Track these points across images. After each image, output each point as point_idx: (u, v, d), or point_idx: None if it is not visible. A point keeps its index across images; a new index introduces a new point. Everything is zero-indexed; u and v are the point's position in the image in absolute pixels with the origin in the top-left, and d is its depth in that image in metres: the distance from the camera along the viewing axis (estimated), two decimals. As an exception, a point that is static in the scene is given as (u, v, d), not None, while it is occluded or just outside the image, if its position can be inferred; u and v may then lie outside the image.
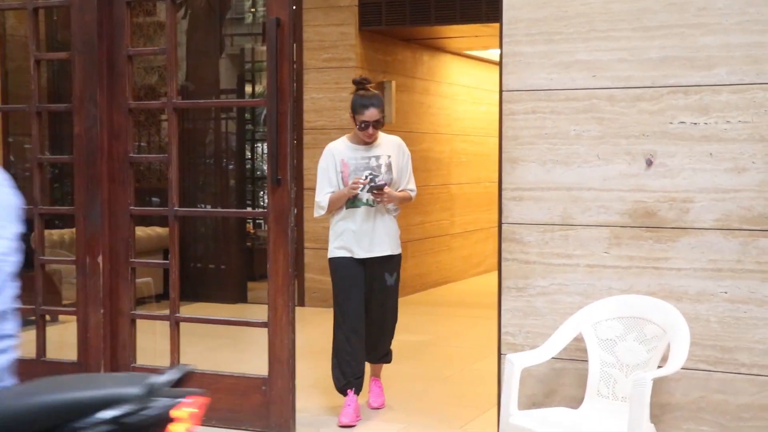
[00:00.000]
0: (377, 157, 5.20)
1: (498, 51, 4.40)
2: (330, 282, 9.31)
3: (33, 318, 5.64)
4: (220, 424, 5.07)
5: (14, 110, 9.66)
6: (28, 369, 5.47)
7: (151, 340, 5.57)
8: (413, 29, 9.46)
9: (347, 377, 5.14)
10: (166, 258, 5.73)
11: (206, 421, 5.01)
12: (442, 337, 7.83)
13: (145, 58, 9.81)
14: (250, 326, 5.50)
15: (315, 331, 7.58)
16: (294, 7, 4.95)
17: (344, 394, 5.17)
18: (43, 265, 5.65)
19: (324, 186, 5.17)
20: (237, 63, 10.72)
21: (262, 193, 11.25)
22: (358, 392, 5.19)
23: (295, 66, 5.18)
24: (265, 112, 5.50)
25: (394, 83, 9.49)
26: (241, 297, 9.45)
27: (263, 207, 9.42)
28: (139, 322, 5.38)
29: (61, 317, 7.02)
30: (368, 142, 5.19)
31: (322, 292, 9.00)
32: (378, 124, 5.20)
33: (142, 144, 10.12)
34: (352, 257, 5.15)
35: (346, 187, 5.07)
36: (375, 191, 5.03)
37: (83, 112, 5.28)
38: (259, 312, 5.27)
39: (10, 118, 10.07)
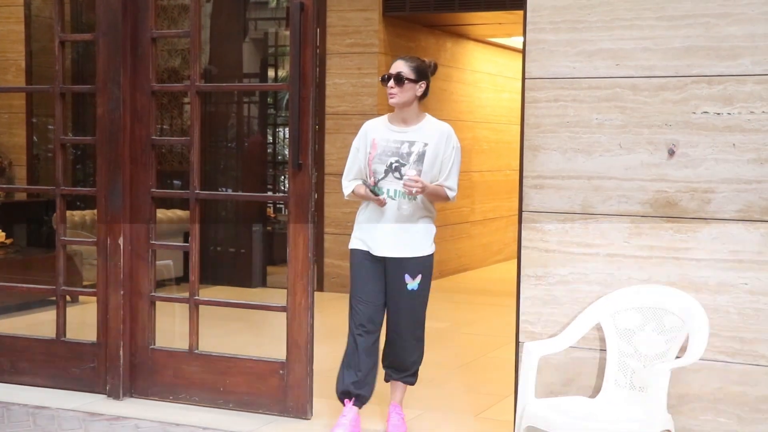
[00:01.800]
0: (411, 143, 4.55)
1: (521, 39, 4.39)
2: (349, 267, 9.33)
3: (54, 298, 5.70)
4: (237, 407, 5.11)
5: (38, 91, 9.73)
6: (48, 349, 5.56)
7: (170, 323, 5.62)
8: (437, 15, 9.44)
9: (345, 384, 4.65)
10: (186, 241, 5.77)
11: (223, 404, 5.07)
12: (460, 324, 7.85)
13: (169, 40, 9.83)
14: (269, 310, 5.53)
15: (333, 317, 7.60)
16: (317, -8, 4.96)
17: (342, 402, 4.71)
18: (65, 246, 5.70)
19: (351, 168, 4.70)
20: (260, 47, 10.74)
21: (283, 177, 11.29)
22: (358, 404, 4.67)
23: (318, 51, 5.17)
24: (287, 96, 5.51)
25: (416, 69, 9.45)
26: (260, 281, 9.49)
27: (284, 191, 9.45)
28: (158, 304, 5.42)
29: (81, 298, 7.08)
30: (391, 102, 4.57)
31: (341, 278, 9.02)
32: (399, 80, 4.52)
33: (164, 127, 10.16)
34: (368, 251, 4.65)
35: (367, 191, 4.49)
36: (405, 183, 4.41)
37: (106, 94, 5.32)
38: (278, 296, 5.29)
39: (34, 99, 10.15)
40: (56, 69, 5.60)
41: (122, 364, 5.31)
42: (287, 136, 9.49)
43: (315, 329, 5.00)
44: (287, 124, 9.32)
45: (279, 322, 5.12)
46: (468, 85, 10.92)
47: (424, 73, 4.62)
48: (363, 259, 4.66)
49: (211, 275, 8.81)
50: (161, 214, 8.50)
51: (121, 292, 5.30)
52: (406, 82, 4.54)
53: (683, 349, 3.76)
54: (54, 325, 5.58)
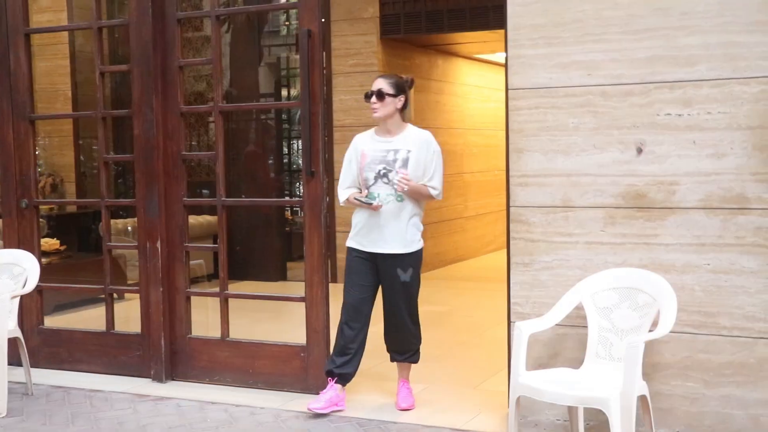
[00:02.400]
0: (396, 151, 4.53)
1: (504, 54, 4.36)
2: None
3: (103, 296, 5.67)
4: (264, 386, 5.09)
5: (83, 116, 9.72)
6: (100, 340, 5.54)
7: (203, 314, 5.59)
8: (428, 36, 9.40)
9: (330, 364, 4.67)
10: (215, 242, 5.74)
11: (252, 384, 5.05)
12: (458, 307, 7.81)
13: (194, 67, 9.81)
14: (290, 301, 5.50)
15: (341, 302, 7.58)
16: (323, 20, 4.92)
17: (327, 379, 4.69)
18: (110, 251, 5.68)
19: (345, 178, 4.66)
20: (274, 70, 10.71)
21: (297, 183, 11.25)
22: (341, 382, 4.65)
23: (324, 71, 5.14)
24: (299, 112, 5.47)
25: (412, 85, 9.43)
26: (281, 275, 9.47)
27: (299, 196, 9.42)
28: (193, 299, 5.39)
29: (126, 295, 7.06)
30: (374, 116, 4.56)
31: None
32: (381, 96, 4.50)
33: (192, 143, 10.14)
34: (362, 249, 4.61)
35: (358, 200, 4.50)
36: (400, 186, 4.43)
37: (141, 117, 5.29)
38: (297, 288, 5.26)
39: (80, 123, 10.14)
40: (98, 97, 5.58)
41: (164, 351, 5.29)
42: (300, 147, 9.47)
43: (330, 316, 4.97)
44: (300, 136, 9.30)
45: (298, 311, 5.09)
46: (458, 96, 10.88)
47: (402, 88, 4.60)
48: (356, 255, 4.64)
49: (238, 272, 8.77)
50: (192, 219, 8.46)
51: (160, 289, 5.28)
52: (386, 97, 4.53)
53: (655, 324, 3.72)
54: (104, 319, 5.56)
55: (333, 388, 4.63)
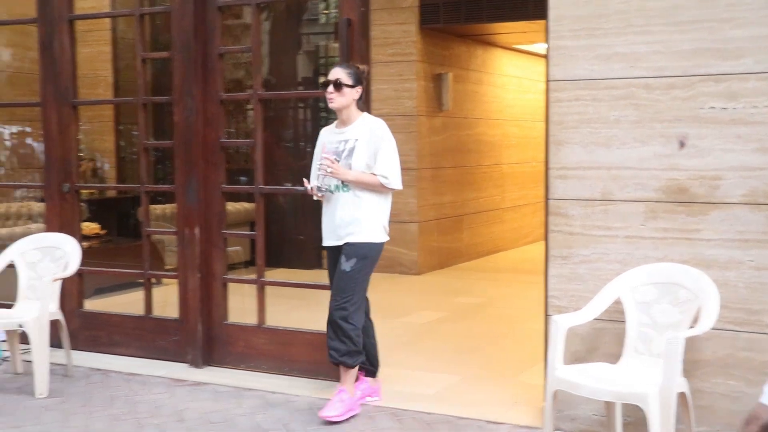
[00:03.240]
0: (346, 141, 4.42)
1: (544, 45, 4.31)
2: (393, 250, 9.29)
3: (141, 281, 5.73)
4: (299, 374, 5.11)
5: (124, 102, 9.80)
6: (138, 324, 5.60)
7: (240, 301, 5.61)
8: (468, 26, 9.35)
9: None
10: (252, 229, 5.75)
11: (288, 371, 5.07)
12: (494, 299, 7.78)
13: (234, 55, 9.84)
14: (325, 289, 5.49)
15: (379, 294, 7.57)
16: (363, 9, 4.91)
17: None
18: (149, 236, 5.73)
19: (313, 170, 4.56)
20: (312, 58, 10.71)
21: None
22: (370, 375, 4.69)
23: (363, 60, 5.12)
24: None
25: (450, 75, 9.39)
26: (316, 263, 9.47)
27: (337, 185, 9.44)
28: (230, 285, 5.43)
29: (164, 280, 7.12)
30: (331, 106, 4.43)
31: (386, 259, 8.96)
32: (338, 86, 4.36)
33: (231, 130, 10.19)
34: (325, 243, 4.54)
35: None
36: (322, 167, 4.33)
37: (182, 104, 5.32)
38: (334, 277, 5.26)
39: (121, 109, 10.24)
40: (139, 83, 5.62)
41: (200, 337, 5.33)
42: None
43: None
44: (338, 125, 9.30)
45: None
46: (497, 87, 10.81)
47: (359, 78, 4.45)
48: (329, 254, 4.58)
49: (274, 259, 8.80)
50: (230, 206, 8.52)
51: (198, 275, 5.31)
52: (344, 87, 4.39)
53: (695, 320, 3.67)
54: (142, 303, 5.62)
55: (363, 381, 4.63)
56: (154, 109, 9.50)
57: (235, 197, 9.03)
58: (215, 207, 5.34)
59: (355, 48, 4.84)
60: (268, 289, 5.34)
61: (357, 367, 4.50)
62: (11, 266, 5.25)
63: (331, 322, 4.42)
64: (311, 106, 9.99)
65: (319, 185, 4.42)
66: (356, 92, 4.43)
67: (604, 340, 4.11)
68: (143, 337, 5.57)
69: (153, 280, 5.75)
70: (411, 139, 8.91)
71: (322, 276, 8.81)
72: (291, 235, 9.50)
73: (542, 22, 4.36)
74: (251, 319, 5.31)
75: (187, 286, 5.36)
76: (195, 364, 5.33)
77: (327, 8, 11.00)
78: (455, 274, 9.23)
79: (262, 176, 5.28)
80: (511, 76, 11.16)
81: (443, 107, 9.35)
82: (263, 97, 5.34)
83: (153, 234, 5.95)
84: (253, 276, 5.38)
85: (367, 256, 4.38)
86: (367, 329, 4.64)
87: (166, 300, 5.99)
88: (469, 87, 10.06)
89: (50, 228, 5.75)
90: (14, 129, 9.76)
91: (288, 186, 9.31)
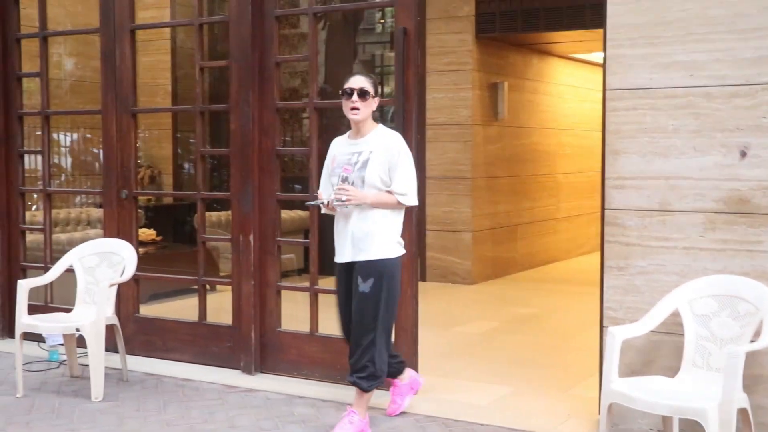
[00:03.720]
0: (359, 153, 4.20)
1: (601, 54, 4.27)
2: (447, 259, 9.26)
3: (196, 287, 5.79)
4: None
5: (182, 110, 9.94)
6: (192, 330, 5.66)
7: (293, 308, 5.64)
8: (524, 35, 9.30)
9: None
10: (307, 237, 5.80)
11: (340, 379, 5.07)
12: (548, 310, 7.70)
13: (290, 64, 9.93)
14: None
15: (435, 304, 7.56)
16: (419, 18, 4.91)
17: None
18: (204, 242, 5.79)
19: (324, 183, 4.42)
20: (368, 67, 10.76)
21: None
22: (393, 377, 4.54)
23: (419, 69, 5.12)
24: (392, 110, 5.48)
25: (506, 84, 9.35)
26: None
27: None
28: (283, 292, 5.46)
29: (218, 287, 7.20)
30: (355, 119, 4.19)
31: (441, 269, 8.97)
32: (365, 95, 4.18)
33: (286, 139, 10.28)
34: (337, 260, 4.33)
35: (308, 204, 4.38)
36: (337, 197, 4.12)
37: (238, 112, 5.38)
38: (387, 285, 5.26)
39: (178, 117, 10.40)
40: (197, 91, 5.70)
41: (254, 344, 5.36)
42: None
43: (418, 314, 4.96)
44: (393, 134, 9.30)
45: (388, 308, 5.09)
46: (552, 96, 10.72)
47: (377, 89, 4.34)
48: (339, 270, 4.35)
49: (328, 267, 8.84)
50: (284, 214, 8.58)
51: (252, 282, 5.35)
52: (368, 97, 4.20)
53: (757, 334, 3.58)
54: (196, 309, 5.68)
55: (396, 387, 4.55)
56: (210, 117, 9.64)
57: (289, 205, 9.09)
58: (270, 214, 5.38)
59: (411, 57, 4.85)
60: (321, 298, 5.35)
61: (372, 392, 4.31)
62: (70, 271, 5.35)
63: (355, 338, 4.25)
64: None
65: (336, 198, 4.17)
66: (376, 102, 4.29)
67: (661, 352, 4.04)
68: (197, 343, 5.63)
69: (207, 287, 5.81)
70: (466, 148, 8.89)
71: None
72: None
73: (599, 30, 4.32)
74: (304, 327, 5.33)
75: (241, 293, 5.40)
76: (247, 370, 5.37)
77: (383, 17, 11.04)
78: (509, 284, 9.16)
79: (317, 185, 5.30)
80: (567, 85, 11.07)
81: (498, 116, 9.30)
82: (319, 105, 5.37)
83: (208, 241, 6.01)
84: (306, 284, 5.41)
85: (383, 273, 4.17)
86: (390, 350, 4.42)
87: (220, 307, 6.04)
88: (524, 96, 10.00)
89: (108, 233, 5.86)
90: (75, 136, 9.99)
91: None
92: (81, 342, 5.10)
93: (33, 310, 5.24)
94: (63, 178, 9.74)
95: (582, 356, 5.62)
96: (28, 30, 6.54)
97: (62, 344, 5.52)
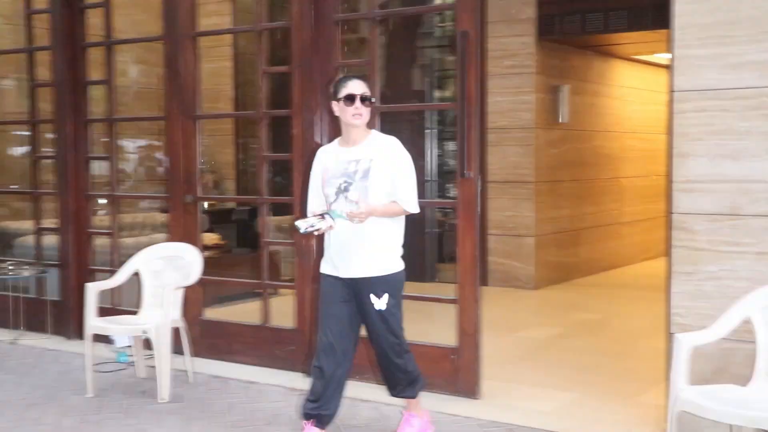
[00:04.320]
0: (357, 161, 3.92)
1: (664, 55, 4.20)
2: (509, 264, 9.18)
3: (259, 291, 5.85)
4: (414, 386, 5.09)
5: (245, 116, 10.07)
6: (256, 333, 5.72)
7: (356, 312, 5.65)
8: (586, 38, 9.20)
9: (306, 402, 4.06)
10: (368, 242, 5.81)
11: (403, 383, 5.06)
12: (613, 315, 7.59)
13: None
14: (441, 302, 5.49)
15: (497, 309, 7.51)
16: (480, 21, 4.89)
17: (303, 423, 4.07)
18: (267, 246, 5.85)
19: (312, 196, 4.12)
20: (427, 72, 10.75)
21: (448, 185, 11.24)
22: (319, 425, 4.03)
23: (479, 73, 5.10)
24: (453, 114, 5.45)
25: (568, 87, 9.25)
26: (431, 276, 9.49)
27: (451, 198, 9.40)
28: (346, 297, 5.46)
29: (281, 290, 7.26)
30: (357, 123, 3.93)
31: (503, 274, 8.90)
32: (367, 101, 3.94)
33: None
34: (334, 274, 4.03)
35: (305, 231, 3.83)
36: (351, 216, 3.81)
37: (300, 117, 5.43)
38: (447, 290, 5.25)
39: (240, 123, 10.53)
40: (259, 97, 5.76)
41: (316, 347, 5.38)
42: (452, 148, 9.45)
43: (481, 319, 4.93)
44: (453, 138, 9.27)
45: (448, 312, 5.08)
46: (615, 99, 10.58)
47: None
48: (328, 283, 4.06)
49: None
50: (346, 218, 8.60)
51: (314, 286, 5.38)
52: (368, 102, 3.96)
53: (833, 342, 3.48)
54: (259, 313, 5.74)
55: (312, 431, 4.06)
56: (272, 122, 9.75)
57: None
58: (332, 219, 5.40)
59: (472, 61, 4.83)
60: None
61: (420, 393, 4.21)
62: (136, 275, 5.46)
63: (388, 360, 4.09)
64: (425, 119, 10.02)
65: (332, 212, 3.85)
66: (371, 108, 4.02)
67: (732, 360, 3.95)
68: (260, 346, 5.69)
69: (270, 291, 5.87)
70: (528, 152, 8.82)
71: (439, 289, 8.86)
72: (408, 247, 9.51)
73: (663, 31, 4.25)
74: (363, 332, 5.33)
75: (304, 297, 5.44)
76: (310, 373, 5.39)
77: (443, 21, 11.02)
78: (572, 289, 9.06)
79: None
80: (630, 87, 10.91)
81: (561, 120, 9.21)
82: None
83: (271, 245, 6.07)
84: (368, 288, 5.41)
85: (396, 287, 4.04)
86: (341, 378, 4.10)
87: (283, 310, 6.09)
88: (586, 99, 9.88)
89: (173, 238, 5.95)
90: (141, 142, 10.19)
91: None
92: (148, 344, 5.19)
93: (101, 312, 5.35)
94: (129, 183, 9.94)
95: (647, 363, 5.52)
96: (94, 39, 6.69)
97: (130, 346, 5.63)
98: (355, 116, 3.92)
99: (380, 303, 3.98)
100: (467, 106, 4.85)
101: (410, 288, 8.83)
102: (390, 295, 3.99)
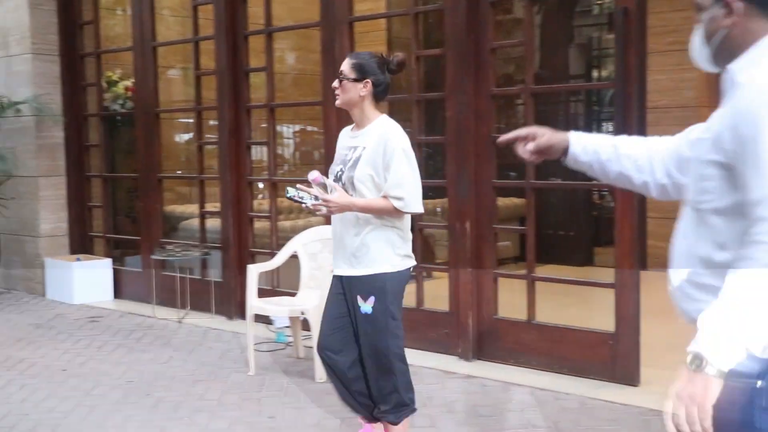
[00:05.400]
0: (355, 148, 3.64)
1: None
2: (667, 247, 8.92)
3: (414, 274, 5.94)
4: (569, 372, 5.07)
5: (398, 100, 10.20)
6: (410, 316, 5.78)
7: (509, 296, 5.66)
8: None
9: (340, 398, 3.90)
10: (522, 225, 5.79)
11: (557, 369, 5.05)
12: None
13: (503, 49, 9.90)
14: (597, 287, 5.41)
15: (657, 294, 7.27)
16: (640, -4, 4.77)
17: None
18: (421, 230, 5.93)
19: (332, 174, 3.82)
20: (584, 51, 10.53)
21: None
22: (364, 415, 3.87)
23: (639, 51, 4.97)
24: (610, 93, 5.34)
25: (736, 62, 8.85)
26: (587, 260, 9.32)
27: (608, 180, 9.23)
28: (500, 280, 5.49)
29: (434, 274, 7.34)
30: (336, 104, 3.74)
31: (663, 258, 8.57)
32: (343, 77, 3.63)
33: (501, 125, 10.26)
34: (333, 271, 3.78)
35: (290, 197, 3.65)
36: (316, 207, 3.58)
37: (454, 99, 5.46)
38: (604, 274, 5.17)
39: (392, 107, 10.66)
40: (413, 80, 5.84)
41: (471, 330, 5.44)
42: (611, 129, 9.23)
43: (640, 304, 4.83)
44: (610, 118, 9.07)
45: (604, 297, 5.00)
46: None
47: (366, 70, 3.64)
48: (334, 281, 3.79)
49: (544, 255, 8.76)
50: (500, 201, 8.58)
51: (469, 269, 5.42)
52: (344, 81, 3.64)
53: None
54: (414, 296, 5.83)
55: (369, 428, 3.92)
56: (424, 105, 9.84)
57: (505, 192, 9.10)
58: (486, 201, 5.43)
59: (632, 38, 4.71)
60: (538, 285, 5.34)
61: (405, 425, 3.81)
62: (295, 256, 5.66)
63: (371, 369, 3.74)
64: (583, 100, 9.83)
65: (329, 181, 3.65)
66: (362, 87, 3.65)
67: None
68: (415, 329, 5.77)
69: (424, 274, 5.94)
70: (690, 131, 8.50)
71: (593, 273, 8.72)
72: (561, 230, 9.40)
73: None
74: (520, 315, 5.34)
75: (458, 280, 5.49)
76: (465, 357, 5.45)
77: (600, -2, 10.78)
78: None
79: (533, 171, 5.29)
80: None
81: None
82: (535, 91, 5.36)
83: (425, 228, 6.15)
84: (523, 271, 5.41)
85: (384, 290, 3.60)
86: (358, 374, 3.81)
87: (436, 293, 6.17)
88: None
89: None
90: (297, 128, 10.52)
91: (558, 181, 9.24)
92: (306, 325, 5.38)
93: (261, 293, 5.59)
94: (286, 168, 10.29)
95: None
96: (254, 28, 6.96)
97: (288, 326, 5.85)
98: (335, 96, 3.73)
99: (366, 306, 3.62)
100: (626, 86, 4.75)
101: (563, 272, 8.74)
102: (376, 299, 3.60)
